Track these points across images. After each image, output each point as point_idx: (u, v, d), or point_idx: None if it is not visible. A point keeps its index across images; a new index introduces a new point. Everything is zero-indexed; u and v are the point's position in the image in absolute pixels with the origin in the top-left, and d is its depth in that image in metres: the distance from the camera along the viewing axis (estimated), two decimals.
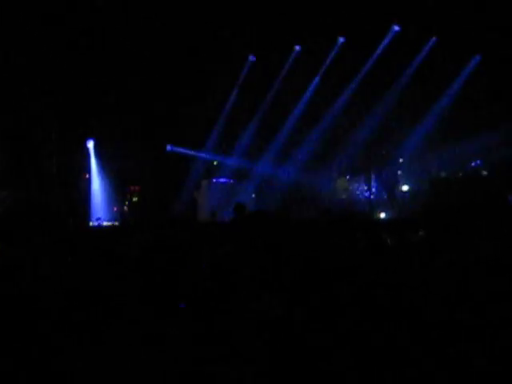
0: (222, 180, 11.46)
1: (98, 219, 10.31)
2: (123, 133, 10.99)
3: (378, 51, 10.74)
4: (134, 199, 11.43)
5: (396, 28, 10.49)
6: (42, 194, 9.98)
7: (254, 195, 11.30)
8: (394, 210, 10.31)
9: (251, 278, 2.82)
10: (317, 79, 11.51)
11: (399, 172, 10.65)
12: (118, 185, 11.49)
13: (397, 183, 10.51)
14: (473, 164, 10.20)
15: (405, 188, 10.52)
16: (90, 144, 11.24)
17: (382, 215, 10.23)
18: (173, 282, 2.97)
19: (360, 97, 10.86)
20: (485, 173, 10.17)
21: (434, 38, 10.62)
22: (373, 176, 10.43)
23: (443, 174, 10.24)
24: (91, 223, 10.33)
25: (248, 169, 11.74)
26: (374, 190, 10.40)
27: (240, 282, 2.81)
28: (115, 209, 11.21)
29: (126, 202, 11.50)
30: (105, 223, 10.35)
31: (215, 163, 11.88)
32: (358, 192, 10.84)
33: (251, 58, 11.38)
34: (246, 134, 11.89)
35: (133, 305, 2.63)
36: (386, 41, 10.48)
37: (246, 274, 2.88)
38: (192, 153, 11.75)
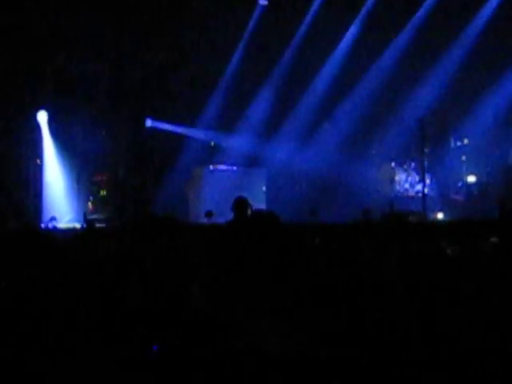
0: (221, 167, 11.12)
1: (52, 220, 9.80)
2: (87, 103, 10.59)
3: None
4: (102, 193, 11.06)
5: None
6: None
7: (264, 188, 10.92)
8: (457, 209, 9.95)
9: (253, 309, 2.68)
10: (353, 30, 10.99)
11: (463, 157, 10.16)
12: (80, 173, 11.13)
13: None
14: None
15: (471, 179, 9.99)
16: (42, 117, 10.55)
17: (440, 216, 9.77)
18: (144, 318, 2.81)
19: (412, 53, 10.28)
20: None
21: None
22: (427, 163, 9.82)
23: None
24: (43, 225, 9.89)
25: (257, 152, 11.41)
26: (428, 181, 9.88)
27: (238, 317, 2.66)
28: (75, 205, 10.77)
29: (91, 198, 11.02)
30: (61, 225, 9.89)
31: (213, 144, 11.50)
32: (407, 184, 10.40)
33: (262, 0, 10.86)
34: (256, 105, 11.44)
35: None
36: None
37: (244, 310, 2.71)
38: (181, 130, 11.29)
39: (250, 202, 7.96)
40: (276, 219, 3.75)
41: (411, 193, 10.34)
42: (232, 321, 2.75)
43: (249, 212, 6.94)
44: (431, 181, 10.07)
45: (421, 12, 10.33)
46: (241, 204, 6.83)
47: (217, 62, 11.05)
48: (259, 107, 11.29)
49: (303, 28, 10.87)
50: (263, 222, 3.78)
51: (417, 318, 2.81)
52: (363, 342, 2.49)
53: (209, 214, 9.38)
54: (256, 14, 10.93)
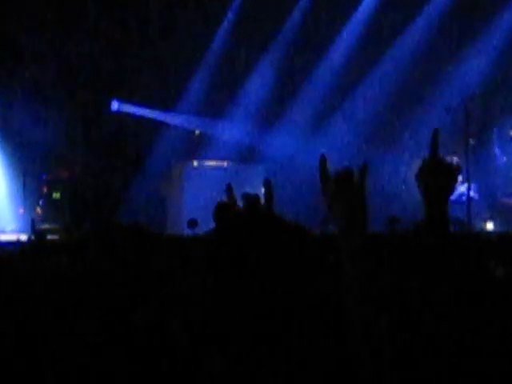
0: (208, 163, 10.93)
1: None
2: (34, 83, 10.49)
3: None
4: (55, 195, 10.71)
5: None
6: None
7: (263, 189, 9.72)
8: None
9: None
10: None
11: None
12: (27, 171, 10.69)
13: None
14: None
15: None
16: None
17: (490, 226, 9.64)
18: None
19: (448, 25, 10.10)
20: None
21: None
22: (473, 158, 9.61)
23: None
24: None
25: (254, 145, 11.04)
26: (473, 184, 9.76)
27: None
28: (21, 211, 10.46)
29: (41, 202, 10.65)
30: (2, 237, 9.67)
31: (197, 134, 11.03)
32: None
33: None
34: (251, 85, 11.15)
35: None
36: None
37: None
38: (156, 115, 11.02)
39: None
40: (281, 223, 2.97)
41: (453, 196, 9.26)
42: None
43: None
44: (477, 181, 9.75)
45: None
46: (225, 208, 6.19)
47: (202, 31, 10.76)
48: (256, 88, 11.15)
49: None
50: (263, 227, 2.90)
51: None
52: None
53: (192, 223, 9.04)
54: None
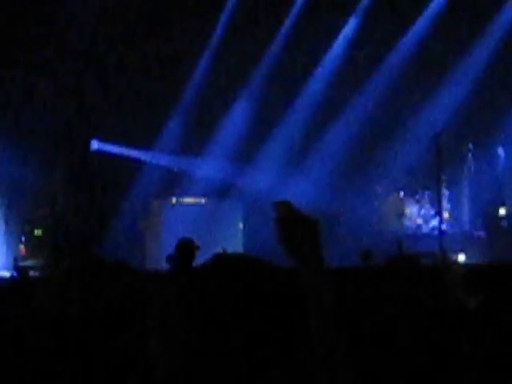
0: (186, 200, 11.07)
1: None
2: (15, 119, 10.62)
3: None
4: (37, 232, 10.83)
5: None
6: None
7: (241, 225, 10.83)
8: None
9: None
10: (353, 22, 11.26)
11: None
12: (9, 209, 11.05)
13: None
14: None
15: (501, 212, 10.10)
16: None
17: (461, 258, 9.72)
18: None
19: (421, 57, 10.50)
20: None
21: None
22: (446, 191, 9.97)
23: None
24: None
25: (231, 181, 11.56)
26: (447, 215, 10.07)
27: None
28: (5, 249, 10.58)
29: (23, 238, 10.81)
30: None
31: (175, 171, 11.32)
32: (420, 219, 10.59)
33: None
34: (228, 123, 11.32)
35: None
36: None
37: None
38: (135, 154, 11.15)
39: (224, 244, 8.35)
40: (259, 266, 3.71)
41: (425, 229, 10.57)
42: None
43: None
44: (450, 214, 10.06)
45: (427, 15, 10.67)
46: (185, 248, 6.73)
47: (179, 71, 11.00)
48: (232, 125, 11.28)
49: (288, 23, 10.79)
50: (234, 273, 3.85)
51: None
52: None
53: (171, 258, 8.20)
54: (226, 13, 10.81)
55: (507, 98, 10.42)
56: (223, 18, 11.23)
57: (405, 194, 10.55)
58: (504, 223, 10.06)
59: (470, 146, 10.25)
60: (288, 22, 11.11)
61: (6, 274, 10.18)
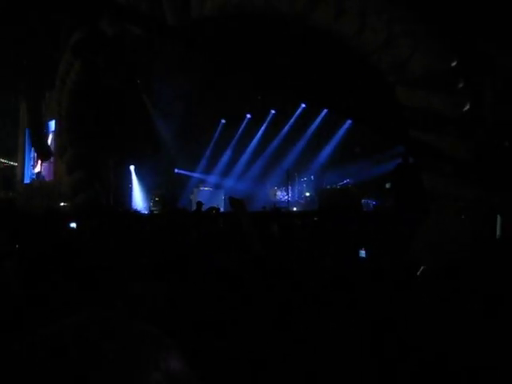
0: (205, 188, 23.01)
1: None
2: None
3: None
4: (156, 198, 23.74)
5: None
6: None
7: (223, 197, 21.80)
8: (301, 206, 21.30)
9: None
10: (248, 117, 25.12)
11: (304, 185, 24.63)
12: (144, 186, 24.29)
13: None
14: (345, 181, 21.89)
15: (307, 193, 22.07)
16: None
17: (294, 208, 20.66)
18: None
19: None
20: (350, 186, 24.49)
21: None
22: (290, 187, 24.70)
23: (328, 186, 20.33)
24: None
25: (220, 182, 25.58)
26: (290, 194, 22.10)
27: None
28: None
29: (151, 201, 23.23)
30: None
31: (201, 178, 25.94)
32: (281, 197, 22.33)
33: None
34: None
35: None
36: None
37: None
38: (193, 174, 25.70)
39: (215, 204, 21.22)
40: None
41: (283, 199, 20.97)
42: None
43: None
44: (292, 194, 21.07)
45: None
46: (200, 204, 12.32)
47: None
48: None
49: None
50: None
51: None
52: None
53: (197, 206, 16.49)
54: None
55: None
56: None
57: (277, 187, 21.97)
58: (308, 198, 21.94)
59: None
60: None
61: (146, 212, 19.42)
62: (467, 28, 10.03)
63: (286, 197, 22.00)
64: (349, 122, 23.62)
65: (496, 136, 9.44)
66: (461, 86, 10.79)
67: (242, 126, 24.73)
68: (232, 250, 4.43)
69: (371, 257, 5.29)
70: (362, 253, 5.48)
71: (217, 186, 23.02)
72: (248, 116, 24.53)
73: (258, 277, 3.36)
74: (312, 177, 22.38)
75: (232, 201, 4.46)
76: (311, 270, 4.09)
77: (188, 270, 3.65)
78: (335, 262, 4.24)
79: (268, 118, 24.43)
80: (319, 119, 23.97)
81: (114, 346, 0.93)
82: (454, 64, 11.22)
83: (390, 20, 11.34)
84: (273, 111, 24.08)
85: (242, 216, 4.21)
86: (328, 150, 22.70)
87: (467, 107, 10.59)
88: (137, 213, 16.23)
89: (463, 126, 10.31)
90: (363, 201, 18.45)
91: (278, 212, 14.87)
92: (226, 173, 23.75)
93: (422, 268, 3.42)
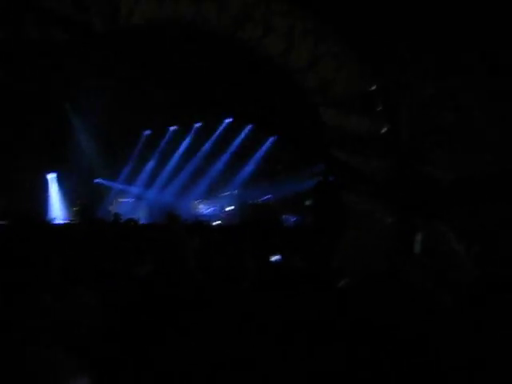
0: (123, 200, 21.92)
1: None
2: None
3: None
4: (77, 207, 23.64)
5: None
6: None
7: (146, 211, 21.49)
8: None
9: None
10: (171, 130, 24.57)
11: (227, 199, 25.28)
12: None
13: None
14: (266, 197, 21.13)
15: (230, 208, 21.05)
16: None
17: (218, 222, 19.93)
18: None
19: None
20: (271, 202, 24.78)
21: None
22: (212, 201, 24.70)
23: (250, 201, 20.00)
24: None
25: (142, 194, 23.82)
26: (211, 209, 21.82)
27: None
28: None
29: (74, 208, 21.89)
30: None
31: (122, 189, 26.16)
32: (204, 210, 21.62)
33: None
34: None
35: None
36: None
37: None
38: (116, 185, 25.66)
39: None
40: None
41: (206, 213, 20.46)
42: None
43: None
44: (214, 208, 21.05)
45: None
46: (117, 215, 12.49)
47: None
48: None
49: None
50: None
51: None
52: None
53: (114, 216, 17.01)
54: None
55: None
56: None
57: (200, 200, 21.19)
58: (231, 212, 22.62)
59: None
60: None
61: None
62: (386, 55, 10.58)
63: (209, 210, 22.16)
64: (272, 138, 23.99)
65: (411, 157, 9.97)
66: (379, 109, 11.32)
67: (167, 137, 24.60)
68: (150, 263, 4.49)
69: (286, 260, 5.45)
70: (277, 258, 5.61)
71: (139, 198, 22.65)
72: (173, 128, 24.54)
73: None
74: (235, 191, 22.39)
75: (169, 216, 4.52)
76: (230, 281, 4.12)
77: (104, 282, 3.72)
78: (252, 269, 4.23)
79: (193, 131, 24.50)
80: (243, 135, 24.23)
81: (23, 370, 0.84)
82: (373, 88, 11.75)
83: (316, 41, 11.75)
84: (198, 124, 24.19)
85: (178, 231, 4.42)
86: (251, 165, 22.80)
87: (384, 129, 11.11)
88: (49, 223, 15.96)
89: (380, 147, 10.81)
90: (284, 216, 18.77)
91: (200, 225, 14.83)
92: (148, 184, 23.22)
93: (343, 280, 3.54)
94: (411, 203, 9.70)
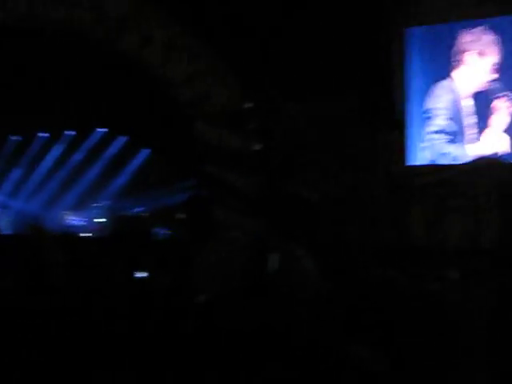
0: None
1: None
2: None
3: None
4: None
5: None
6: None
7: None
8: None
9: None
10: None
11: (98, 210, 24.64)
12: None
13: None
14: (138, 209, 19.72)
15: (100, 220, 19.54)
16: None
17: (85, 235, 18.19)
18: None
19: None
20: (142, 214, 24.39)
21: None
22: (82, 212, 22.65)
23: (121, 213, 18.19)
24: None
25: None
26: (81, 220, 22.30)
27: None
28: None
29: None
30: None
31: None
32: (73, 221, 19.57)
33: None
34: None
35: None
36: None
37: None
38: None
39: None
40: None
41: (75, 224, 19.33)
42: None
43: None
44: (84, 219, 20.85)
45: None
46: None
47: None
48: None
49: None
50: None
51: None
52: None
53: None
54: None
55: None
56: None
57: (69, 211, 18.84)
58: (105, 223, 19.02)
59: None
60: None
61: None
62: (261, 77, 10.93)
63: (78, 221, 21.10)
64: (146, 151, 23.78)
65: (280, 175, 10.31)
66: (252, 126, 11.63)
67: (36, 144, 23.54)
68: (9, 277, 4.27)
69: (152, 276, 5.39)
70: (143, 274, 5.59)
71: (3, 207, 21.70)
72: (42, 135, 23.49)
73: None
74: (106, 203, 21.97)
75: (32, 227, 4.28)
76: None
77: None
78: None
79: (64, 139, 23.63)
80: (117, 146, 23.76)
81: None
82: (248, 105, 12.05)
83: (193, 55, 11.88)
84: (70, 132, 23.36)
85: (43, 242, 4.19)
86: (123, 177, 22.48)
87: (257, 147, 11.43)
88: None
89: (251, 165, 11.09)
90: (155, 229, 18.64)
91: (67, 237, 14.44)
92: (14, 193, 21.71)
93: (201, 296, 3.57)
94: (277, 221, 9.78)
